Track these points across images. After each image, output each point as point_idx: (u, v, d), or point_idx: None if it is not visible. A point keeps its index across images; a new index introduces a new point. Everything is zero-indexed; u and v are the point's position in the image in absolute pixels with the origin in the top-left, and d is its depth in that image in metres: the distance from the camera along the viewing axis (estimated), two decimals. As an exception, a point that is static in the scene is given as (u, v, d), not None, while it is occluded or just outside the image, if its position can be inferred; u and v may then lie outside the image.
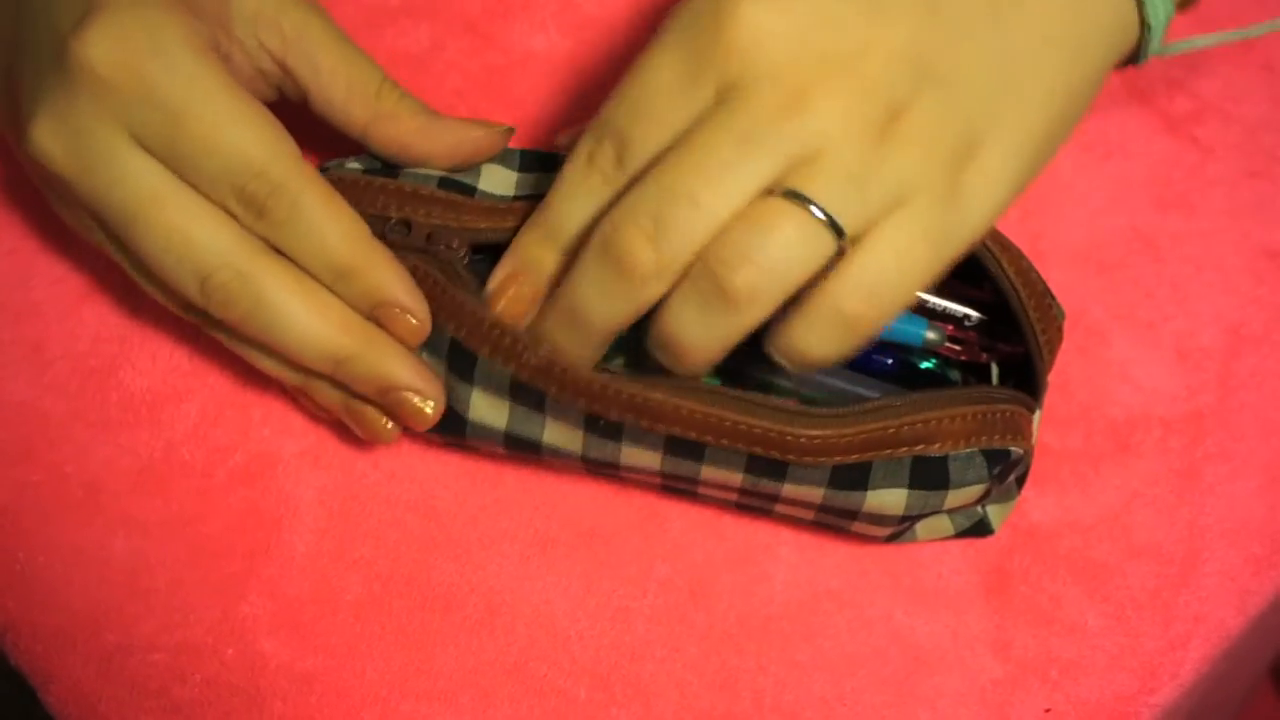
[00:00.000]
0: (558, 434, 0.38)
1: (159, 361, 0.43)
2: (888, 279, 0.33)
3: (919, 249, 0.33)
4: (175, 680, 0.41)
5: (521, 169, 0.40)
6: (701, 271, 0.33)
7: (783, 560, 0.42)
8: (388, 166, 0.40)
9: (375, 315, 0.38)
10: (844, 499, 0.37)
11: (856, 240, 0.33)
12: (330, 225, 0.37)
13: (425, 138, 0.40)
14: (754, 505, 0.40)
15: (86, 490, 0.42)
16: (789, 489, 0.37)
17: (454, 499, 0.43)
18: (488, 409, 0.38)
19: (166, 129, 0.35)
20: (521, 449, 0.39)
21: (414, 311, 0.38)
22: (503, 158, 0.40)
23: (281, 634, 0.41)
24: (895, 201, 0.33)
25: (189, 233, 0.36)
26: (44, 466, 0.43)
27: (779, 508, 0.39)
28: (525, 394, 0.37)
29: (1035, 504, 0.43)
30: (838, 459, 0.36)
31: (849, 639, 0.41)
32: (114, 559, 0.42)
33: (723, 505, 0.41)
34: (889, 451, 0.36)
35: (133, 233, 0.36)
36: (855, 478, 0.37)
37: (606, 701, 0.41)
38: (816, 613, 0.42)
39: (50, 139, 0.36)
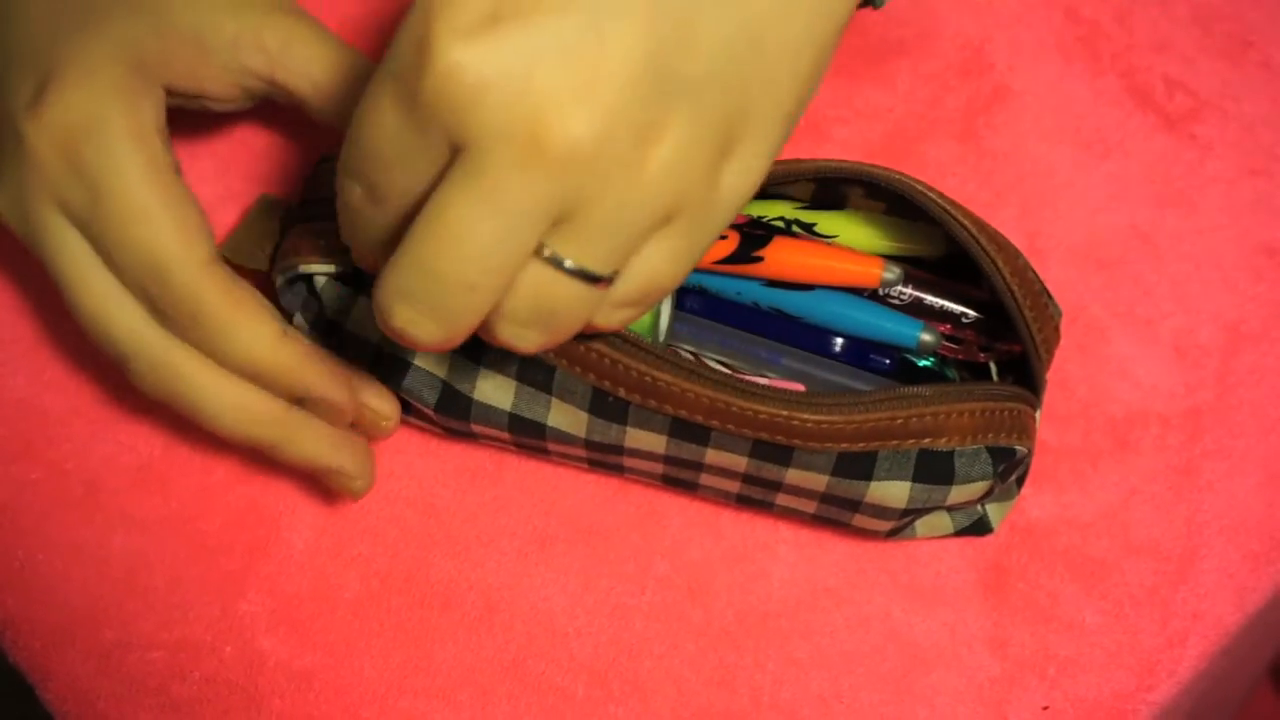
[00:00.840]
0: (563, 416, 0.38)
1: (158, 359, 0.43)
2: (653, 288, 0.32)
3: (681, 258, 0.32)
4: (174, 677, 0.41)
5: None
6: (492, 334, 0.31)
7: (781, 558, 0.42)
8: None
9: (301, 407, 0.38)
10: (847, 488, 0.37)
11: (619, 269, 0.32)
12: (231, 332, 0.37)
13: None
14: (756, 497, 0.40)
15: (86, 487, 0.42)
16: (793, 475, 0.37)
17: (453, 497, 0.43)
18: (494, 390, 0.38)
19: (88, 212, 0.36)
20: (526, 433, 0.39)
21: (334, 400, 0.38)
22: None
23: (280, 631, 0.41)
24: (655, 226, 0.31)
25: (108, 319, 0.37)
26: (43, 463, 0.43)
27: (781, 498, 0.39)
28: (533, 372, 0.37)
29: (1033, 501, 0.43)
30: (844, 446, 0.36)
31: (847, 636, 0.41)
32: (113, 556, 0.42)
33: (724, 499, 0.41)
34: (895, 442, 0.36)
35: (68, 302, 0.37)
36: (860, 467, 0.37)
37: (604, 698, 0.41)
38: (815, 610, 0.42)
39: (6, 204, 0.37)
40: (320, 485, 0.42)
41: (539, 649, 0.41)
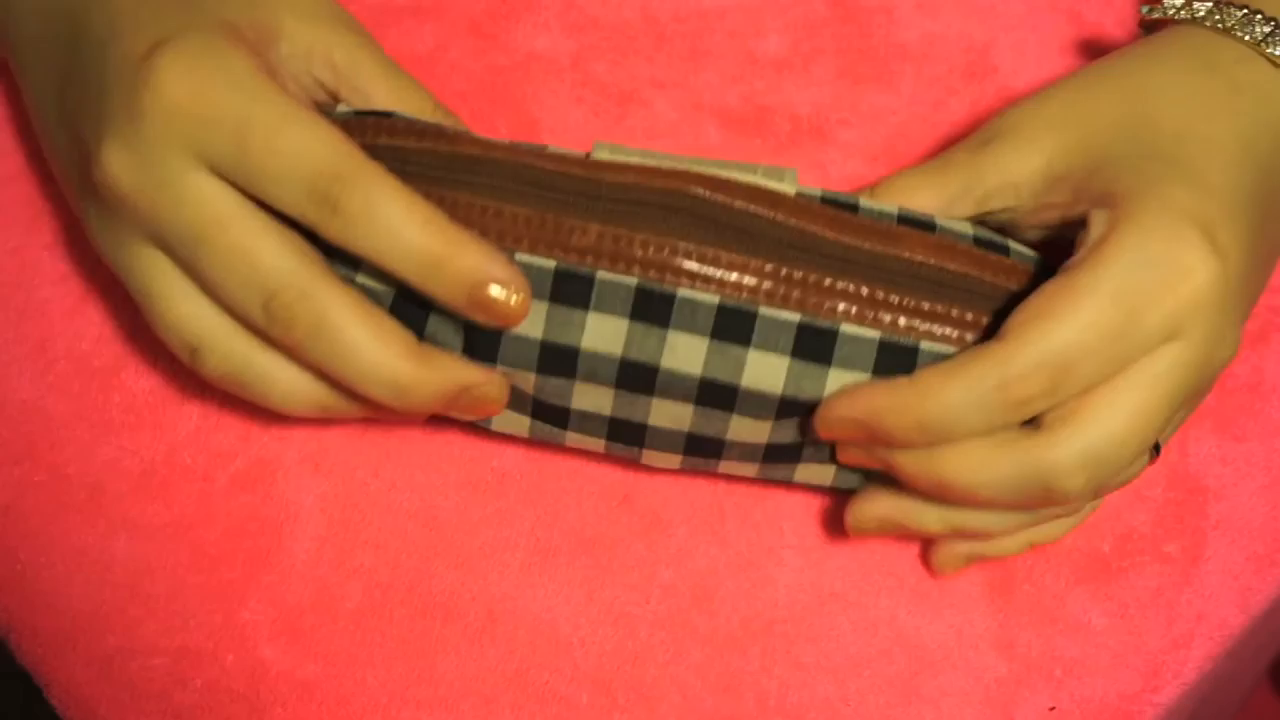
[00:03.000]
0: (600, 332, 0.37)
1: (162, 363, 0.43)
2: None
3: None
4: (176, 685, 0.41)
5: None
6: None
7: (786, 564, 0.42)
8: (375, 111, 0.40)
9: (474, 299, 0.36)
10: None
11: None
12: (408, 215, 0.35)
13: None
14: (786, 441, 0.39)
15: (88, 492, 0.42)
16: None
17: (455, 508, 0.42)
18: (527, 323, 0.37)
19: (235, 142, 0.35)
20: (557, 369, 0.37)
21: (515, 287, 0.36)
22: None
23: (282, 641, 0.41)
24: None
25: (254, 252, 0.36)
26: (46, 467, 0.42)
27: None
28: (569, 287, 0.36)
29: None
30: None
31: (853, 640, 0.41)
32: (115, 562, 0.42)
33: (741, 474, 0.41)
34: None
35: (199, 253, 0.36)
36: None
37: (609, 707, 0.40)
38: (821, 615, 0.42)
39: (119, 163, 0.36)
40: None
41: (542, 659, 0.41)
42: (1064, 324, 0.35)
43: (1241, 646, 0.44)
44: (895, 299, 0.37)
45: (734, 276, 0.36)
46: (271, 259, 0.36)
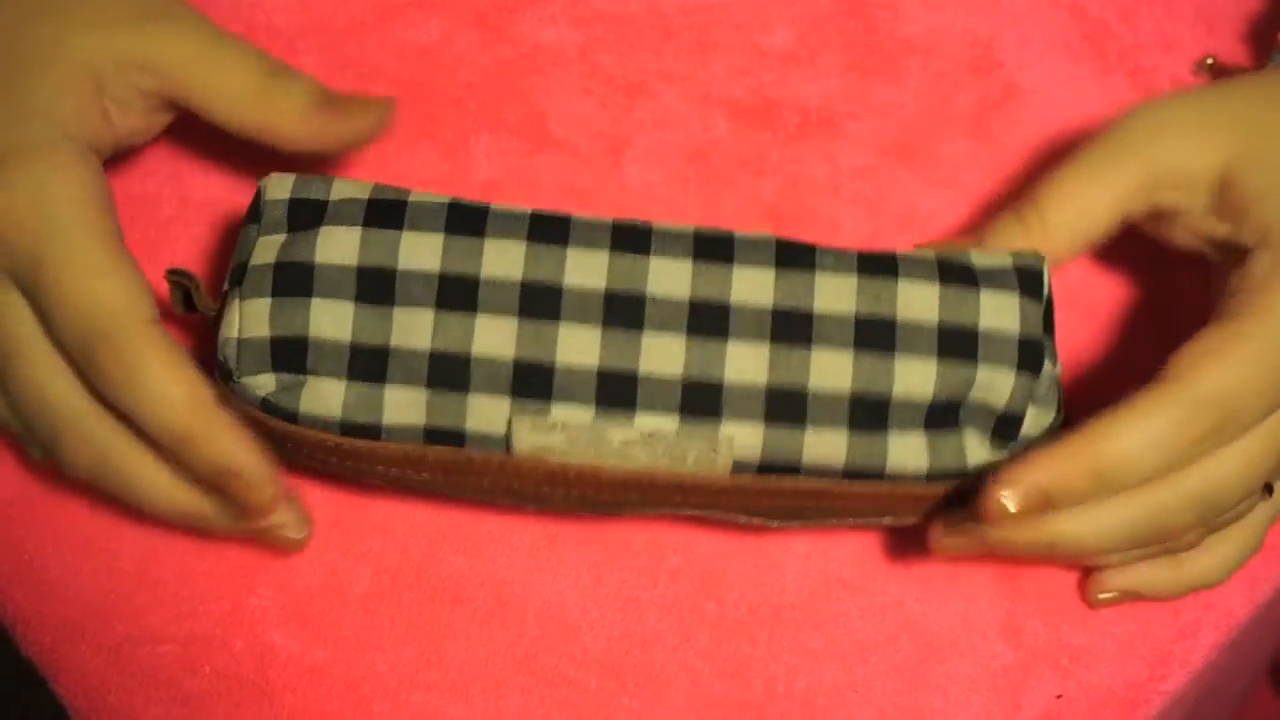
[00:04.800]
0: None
1: (168, 352, 0.43)
2: None
3: None
4: (185, 671, 0.41)
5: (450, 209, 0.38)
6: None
7: (794, 550, 0.42)
8: (307, 205, 0.38)
9: (219, 483, 0.37)
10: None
11: None
12: (165, 392, 0.36)
13: (315, 139, 0.40)
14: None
15: (96, 481, 0.42)
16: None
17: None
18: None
19: (30, 276, 0.36)
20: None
21: (256, 482, 0.37)
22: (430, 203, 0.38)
23: (291, 626, 0.41)
24: None
25: (44, 389, 0.37)
26: (53, 457, 0.42)
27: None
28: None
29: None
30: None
31: (861, 626, 0.41)
32: (123, 550, 0.42)
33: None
34: None
35: (6, 376, 0.38)
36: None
37: (618, 691, 0.40)
38: (828, 601, 0.42)
39: None
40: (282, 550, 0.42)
41: (551, 643, 0.41)
42: (1236, 365, 0.35)
43: (1246, 636, 0.44)
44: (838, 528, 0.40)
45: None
46: (58, 398, 0.37)
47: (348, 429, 0.37)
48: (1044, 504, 0.35)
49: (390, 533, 0.42)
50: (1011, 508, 0.35)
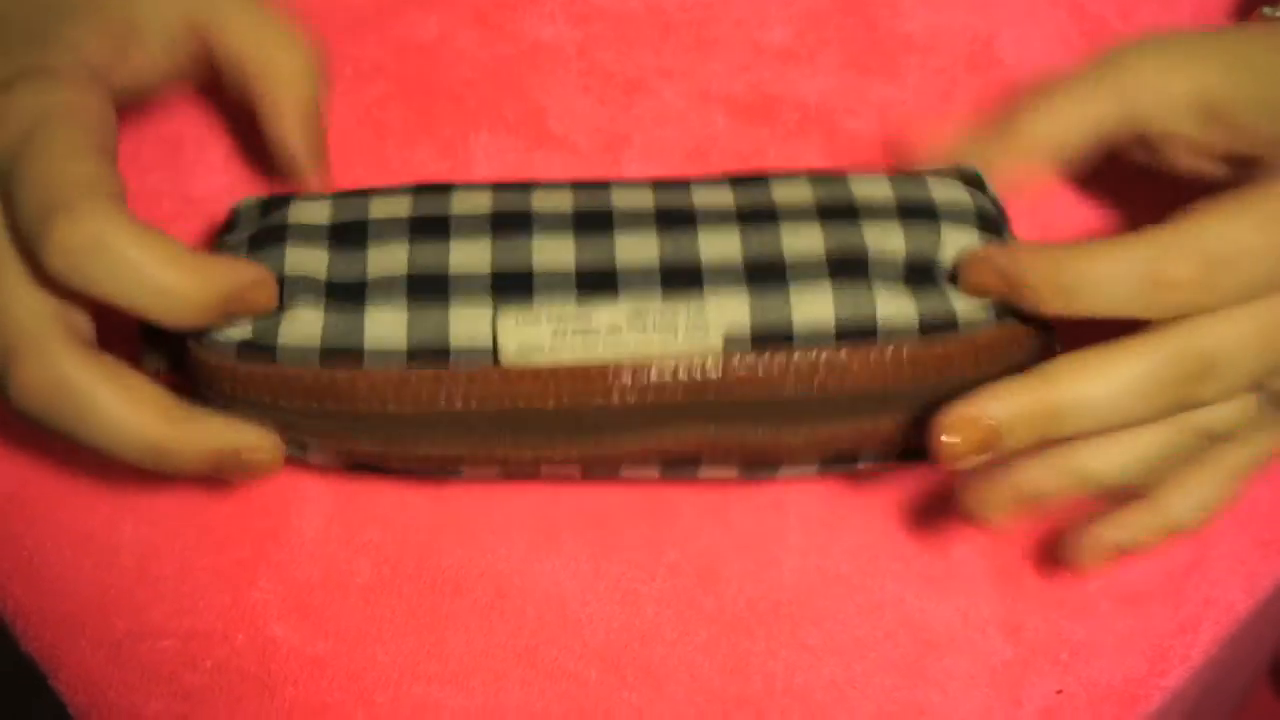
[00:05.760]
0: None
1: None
2: None
3: None
4: (186, 666, 0.41)
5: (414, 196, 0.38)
6: None
7: (792, 546, 0.42)
8: (267, 238, 0.37)
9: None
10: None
11: None
12: (137, 251, 0.33)
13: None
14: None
15: (95, 476, 0.42)
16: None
17: (461, 485, 0.43)
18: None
19: (8, 173, 0.34)
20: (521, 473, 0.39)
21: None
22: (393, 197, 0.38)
23: (292, 619, 0.41)
24: None
25: (6, 295, 0.34)
26: (52, 451, 0.43)
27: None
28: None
29: (1044, 486, 0.43)
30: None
31: (859, 622, 0.41)
32: (123, 545, 0.42)
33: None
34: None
35: None
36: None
37: (617, 684, 0.41)
38: (827, 597, 0.42)
39: None
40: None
41: (551, 635, 0.41)
42: (1229, 221, 0.34)
43: (1246, 632, 0.44)
44: (840, 431, 0.37)
45: (670, 447, 0.37)
46: (19, 314, 0.34)
47: (328, 356, 0.36)
48: (1004, 287, 0.35)
49: (390, 525, 0.42)
50: (981, 275, 0.36)
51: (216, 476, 0.36)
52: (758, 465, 0.38)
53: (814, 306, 0.36)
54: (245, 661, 0.41)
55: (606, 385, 0.35)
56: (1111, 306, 0.35)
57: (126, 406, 0.34)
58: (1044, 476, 0.37)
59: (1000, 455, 0.35)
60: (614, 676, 0.41)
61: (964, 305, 0.36)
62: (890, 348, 0.36)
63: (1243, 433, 0.37)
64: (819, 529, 0.42)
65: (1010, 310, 0.37)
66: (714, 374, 0.35)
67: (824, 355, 0.36)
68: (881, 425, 0.37)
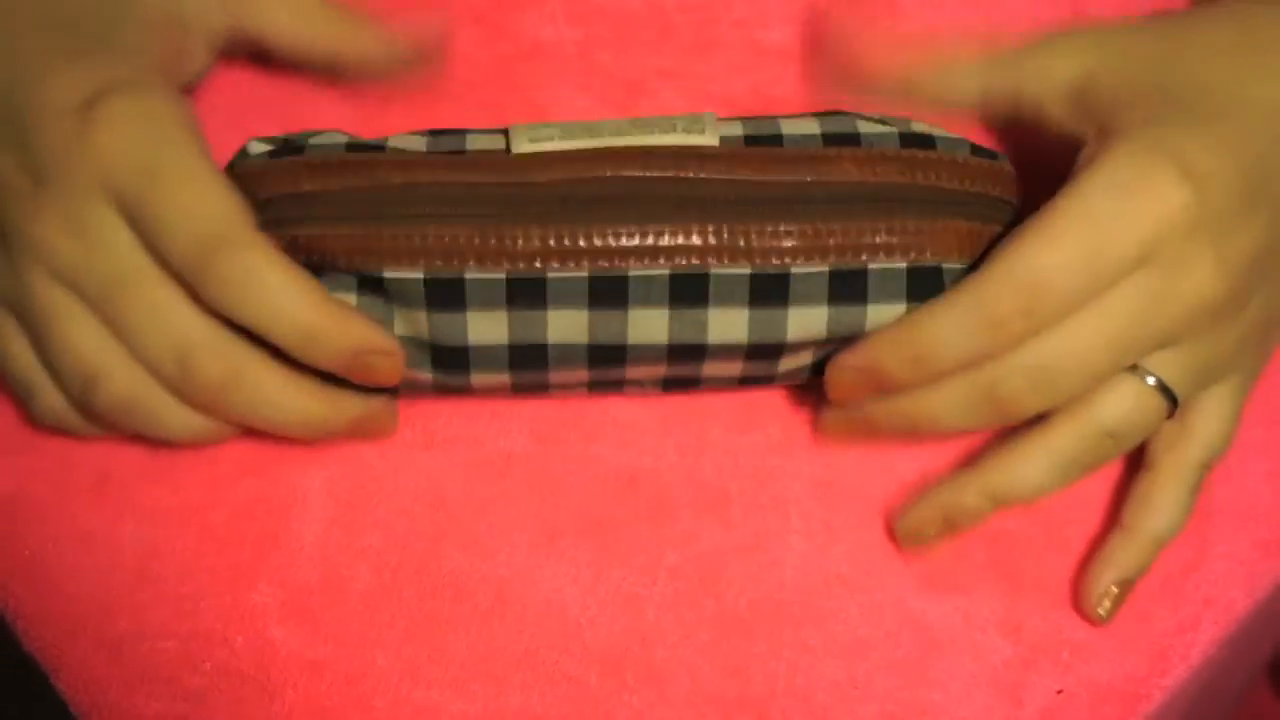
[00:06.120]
0: (562, 325, 0.38)
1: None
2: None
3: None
4: (186, 668, 0.41)
5: (430, 137, 0.41)
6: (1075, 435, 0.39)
7: (793, 547, 0.42)
8: (289, 145, 0.40)
9: (353, 366, 0.38)
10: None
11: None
12: (285, 288, 0.37)
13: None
14: (759, 374, 0.40)
15: (95, 477, 0.42)
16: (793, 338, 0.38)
17: (461, 490, 0.43)
18: (487, 327, 0.38)
19: (141, 193, 0.36)
20: (528, 365, 0.39)
21: (390, 350, 0.38)
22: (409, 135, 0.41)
23: (292, 622, 0.41)
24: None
25: (167, 309, 0.37)
26: (52, 453, 0.43)
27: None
28: (524, 291, 0.37)
29: (1045, 487, 0.43)
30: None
31: (860, 623, 0.41)
32: (123, 546, 0.42)
33: (724, 386, 0.41)
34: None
35: (118, 303, 0.37)
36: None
37: (618, 688, 0.41)
38: (828, 598, 0.42)
39: (48, 206, 0.37)
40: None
41: (551, 639, 0.41)
42: (1036, 243, 0.36)
43: (1246, 632, 0.44)
44: (837, 227, 0.38)
45: (680, 243, 0.37)
46: (186, 316, 0.37)
47: (354, 145, 0.39)
48: (875, 385, 0.38)
49: (390, 529, 0.42)
50: (843, 389, 0.39)
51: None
52: (765, 268, 0.38)
53: (801, 124, 0.40)
54: (245, 664, 0.41)
55: (606, 161, 0.38)
56: (962, 358, 0.37)
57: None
58: (965, 499, 0.39)
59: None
60: (615, 680, 0.41)
61: (941, 134, 0.40)
62: (877, 149, 0.39)
63: (1173, 439, 0.40)
64: (820, 530, 0.42)
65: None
66: (710, 147, 0.39)
67: (810, 151, 0.39)
68: (879, 224, 0.38)
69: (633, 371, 0.40)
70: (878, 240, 0.38)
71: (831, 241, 0.38)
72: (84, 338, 0.38)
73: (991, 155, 0.40)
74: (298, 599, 0.41)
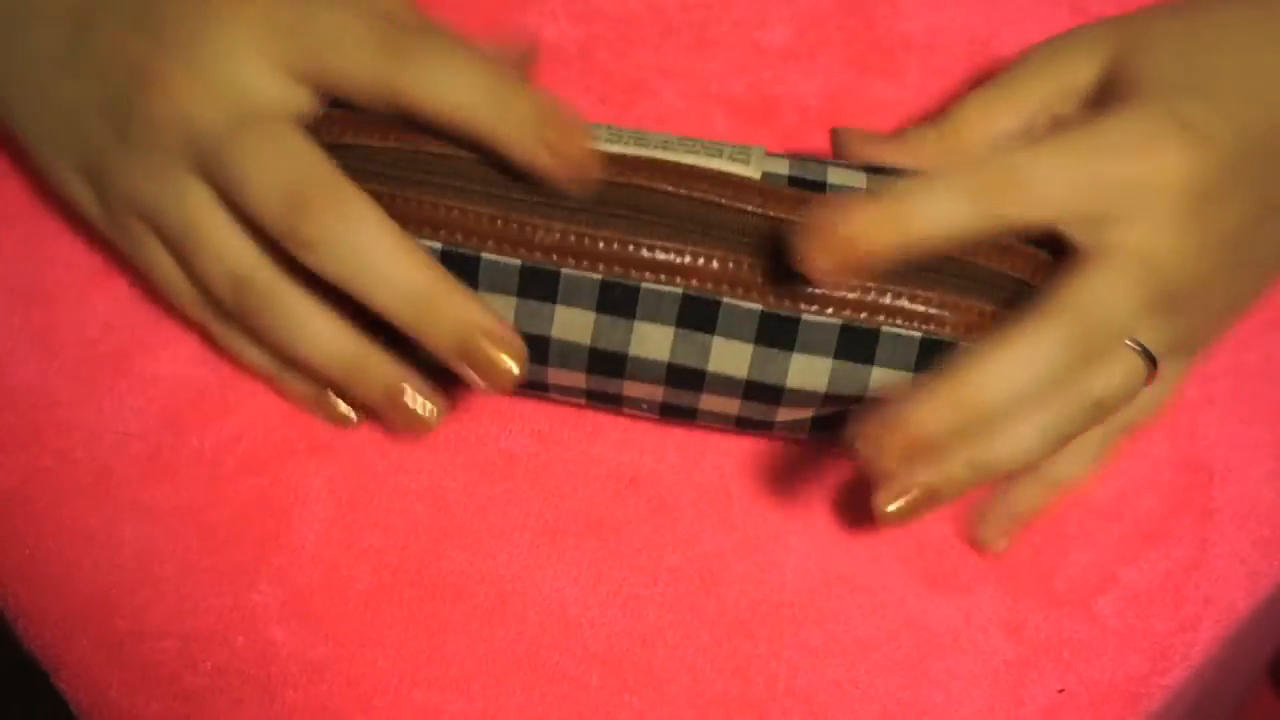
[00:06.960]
0: (568, 323, 0.37)
1: (169, 348, 0.43)
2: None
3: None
4: (186, 667, 0.41)
5: None
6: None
7: (793, 548, 0.42)
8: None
9: (465, 347, 0.35)
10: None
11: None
12: (396, 249, 0.35)
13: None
14: (756, 417, 0.40)
15: (96, 476, 0.42)
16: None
17: (462, 489, 0.43)
18: (495, 310, 0.37)
19: (223, 149, 0.36)
20: (529, 357, 0.38)
21: (511, 341, 0.36)
22: None
23: (292, 622, 0.41)
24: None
25: (239, 242, 0.37)
26: (53, 451, 0.42)
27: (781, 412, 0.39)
28: (536, 282, 0.37)
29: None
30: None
31: (862, 623, 0.41)
32: (124, 545, 0.42)
33: (722, 424, 0.41)
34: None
35: (193, 241, 0.38)
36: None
37: (619, 688, 0.40)
38: (829, 598, 0.42)
39: (188, 81, 0.37)
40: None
41: (552, 640, 0.41)
42: (1040, 150, 0.36)
43: (1246, 632, 0.44)
44: (857, 282, 0.37)
45: (699, 265, 0.37)
46: (241, 244, 0.37)
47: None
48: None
49: (390, 529, 0.42)
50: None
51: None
52: (777, 309, 0.37)
53: (849, 176, 0.39)
54: (245, 664, 0.41)
55: (645, 171, 0.37)
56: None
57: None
58: (953, 470, 0.37)
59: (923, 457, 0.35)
60: (615, 680, 0.41)
61: None
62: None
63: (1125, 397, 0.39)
64: (820, 530, 0.42)
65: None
66: (751, 180, 0.38)
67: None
68: (902, 289, 0.37)
69: (630, 388, 0.39)
70: (897, 304, 0.37)
71: (850, 296, 0.37)
72: (228, 238, 0.38)
73: (1034, 243, 0.39)
74: (298, 599, 0.41)
